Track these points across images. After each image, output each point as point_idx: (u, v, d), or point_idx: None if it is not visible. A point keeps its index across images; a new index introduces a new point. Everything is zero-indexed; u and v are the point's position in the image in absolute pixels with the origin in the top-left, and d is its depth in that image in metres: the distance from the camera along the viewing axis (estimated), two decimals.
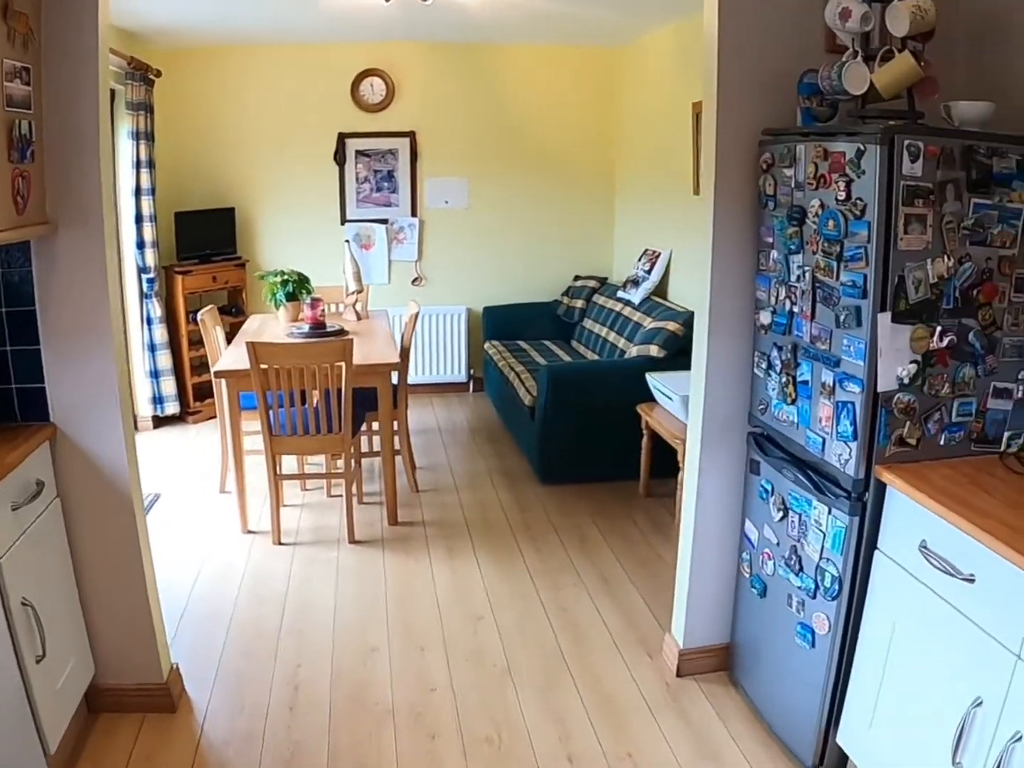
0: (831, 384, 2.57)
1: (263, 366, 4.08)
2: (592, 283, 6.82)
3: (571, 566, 4.24)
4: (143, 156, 5.91)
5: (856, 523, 2.53)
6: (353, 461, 4.52)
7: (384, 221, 6.81)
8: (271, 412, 4.21)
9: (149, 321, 6.23)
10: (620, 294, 6.24)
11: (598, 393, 5.08)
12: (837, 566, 2.60)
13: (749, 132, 2.88)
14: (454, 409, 6.87)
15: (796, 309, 2.71)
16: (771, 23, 2.80)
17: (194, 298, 6.35)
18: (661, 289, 6.07)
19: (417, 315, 5.16)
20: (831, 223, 2.47)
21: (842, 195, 2.42)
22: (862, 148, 2.31)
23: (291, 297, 5.50)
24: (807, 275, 2.62)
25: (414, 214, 6.85)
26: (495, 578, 4.08)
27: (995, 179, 2.37)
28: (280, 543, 4.37)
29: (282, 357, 4.10)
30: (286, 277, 5.52)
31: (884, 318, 2.37)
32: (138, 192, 5.93)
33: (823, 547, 2.67)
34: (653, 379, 4.80)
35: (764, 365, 2.94)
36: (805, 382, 2.70)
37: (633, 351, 5.27)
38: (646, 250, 6.26)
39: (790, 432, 2.82)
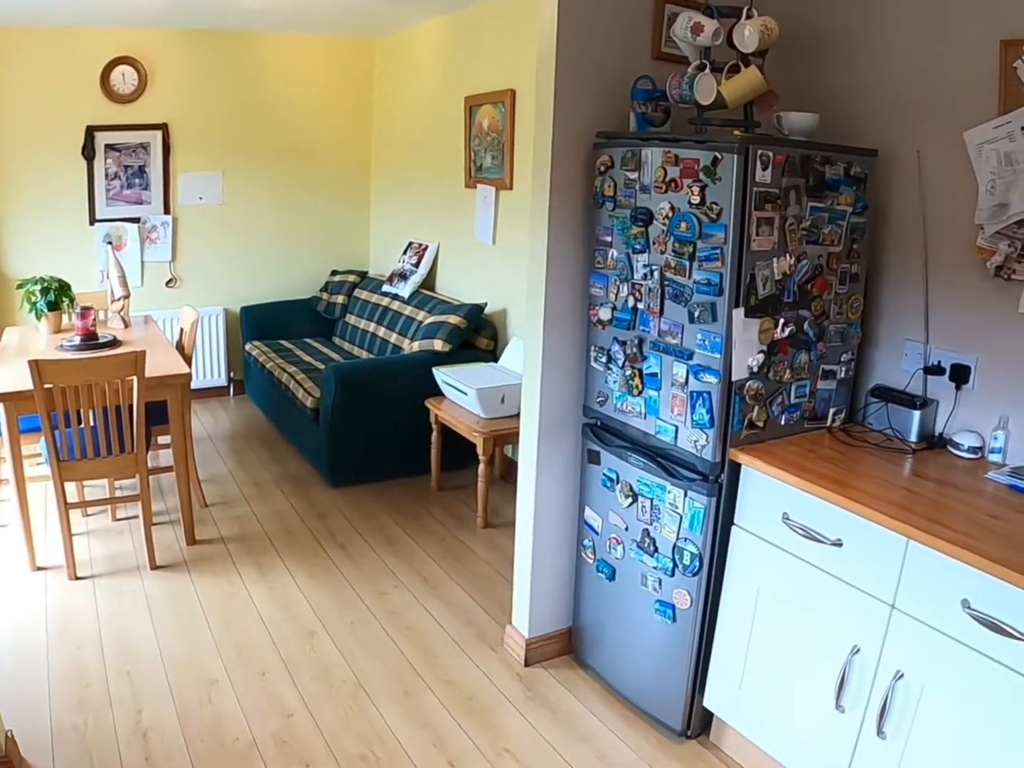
0: (683, 376, 2.73)
1: (48, 385, 3.75)
2: (352, 277, 6.77)
3: (387, 569, 4.22)
4: None
5: (714, 503, 2.72)
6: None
7: (136, 220, 6.41)
8: (57, 434, 3.88)
9: None
10: (387, 288, 6.23)
11: (385, 391, 5.07)
12: (697, 544, 2.78)
13: (583, 133, 2.99)
14: (219, 415, 6.59)
15: (642, 306, 2.86)
16: (605, 27, 2.92)
17: None
18: (429, 282, 6.13)
19: (196, 322, 4.91)
20: (684, 225, 2.63)
21: (696, 199, 2.58)
22: (719, 156, 2.48)
23: (53, 306, 5.07)
24: (655, 273, 2.76)
25: (167, 211, 6.49)
26: (315, 590, 3.99)
27: (827, 184, 2.62)
28: (77, 577, 4.03)
29: (70, 374, 3.78)
30: (46, 284, 5.07)
31: (738, 313, 2.56)
32: None
33: (680, 528, 2.83)
34: (441, 374, 4.86)
35: (603, 359, 3.06)
36: (654, 374, 2.85)
37: (414, 346, 5.29)
38: (411, 243, 6.29)
39: (636, 422, 2.96)
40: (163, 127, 6.32)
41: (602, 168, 2.94)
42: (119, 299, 5.19)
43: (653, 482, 2.93)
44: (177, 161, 6.44)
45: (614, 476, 3.11)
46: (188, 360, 4.75)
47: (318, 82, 6.75)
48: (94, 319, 4.73)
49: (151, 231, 6.47)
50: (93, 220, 6.31)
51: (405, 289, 6.00)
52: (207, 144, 6.49)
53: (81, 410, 3.86)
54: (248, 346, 6.56)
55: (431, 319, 5.34)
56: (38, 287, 4.99)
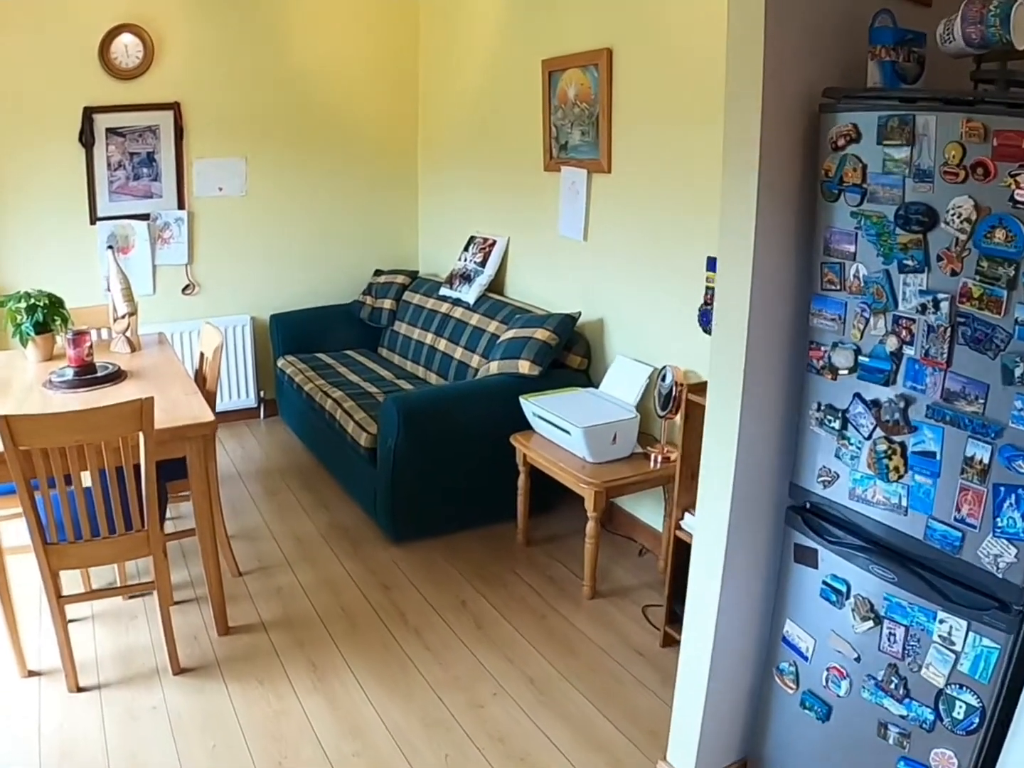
0: (983, 460, 1.79)
1: (26, 448, 2.83)
2: (400, 279, 5.83)
3: (480, 666, 3.31)
4: None
5: (1012, 642, 1.82)
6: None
7: (145, 216, 5.47)
8: (42, 509, 2.96)
9: None
10: (446, 292, 5.30)
11: (459, 425, 4.14)
12: (979, 695, 1.87)
13: (799, 93, 2.05)
14: (248, 444, 5.68)
15: (912, 351, 1.91)
16: None
17: None
18: (497, 284, 5.19)
19: (220, 347, 3.98)
20: (1000, 234, 1.68)
21: (1023, 195, 1.63)
22: None
23: (42, 328, 4.15)
24: (942, 305, 1.81)
25: (181, 206, 5.56)
26: (391, 705, 3.08)
27: None
28: (79, 688, 3.12)
29: (53, 433, 2.84)
30: (34, 301, 4.14)
31: None
32: None
33: (953, 670, 1.93)
34: (532, 405, 3.94)
35: (834, 424, 2.12)
36: (928, 454, 1.91)
37: (491, 367, 4.34)
38: (473, 238, 5.34)
39: (887, 517, 2.04)
40: (174, 106, 5.37)
41: (840, 142, 1.99)
42: (123, 317, 4.28)
43: (913, 603, 2.01)
44: (192, 146, 5.50)
45: (843, 588, 2.19)
46: (211, 397, 3.83)
47: (354, 49, 5.79)
48: (90, 346, 3.81)
49: (163, 229, 5.54)
50: (95, 218, 5.39)
51: (470, 293, 5.06)
52: (227, 125, 5.54)
53: (73, 476, 2.93)
54: (281, 362, 5.64)
55: (512, 333, 4.38)
56: (23, 305, 4.07)
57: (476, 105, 5.32)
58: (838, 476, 2.15)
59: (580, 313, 4.32)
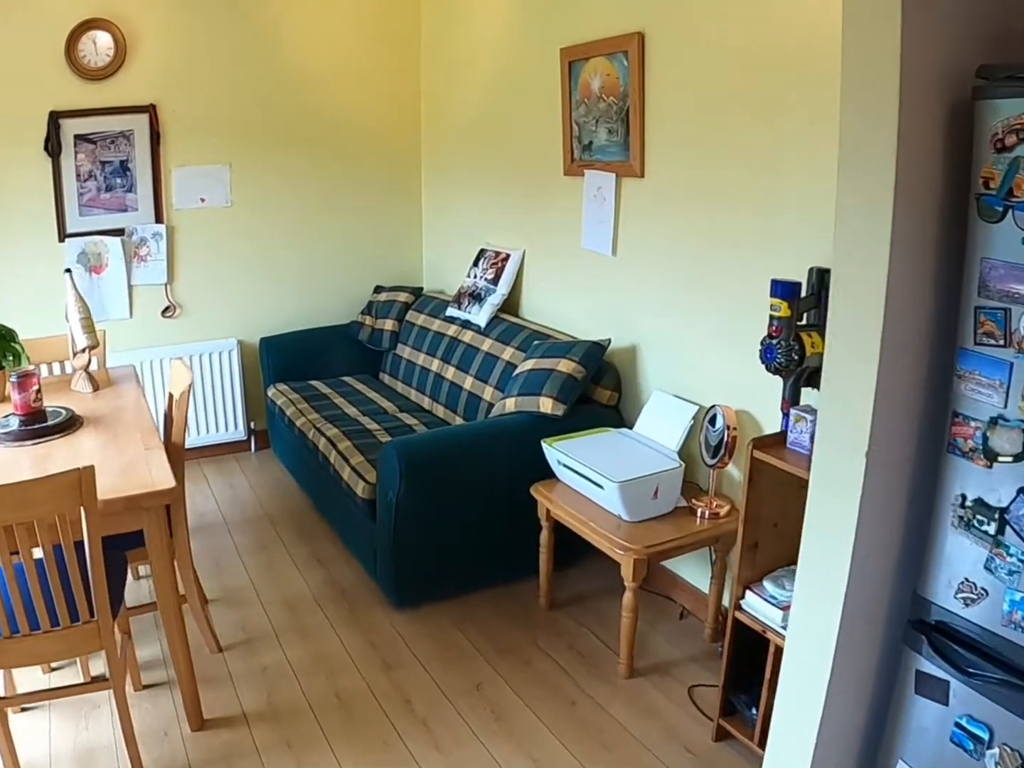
0: None
1: None
2: (402, 296, 5.27)
3: None
4: None
5: None
6: (120, 641, 2.80)
7: (119, 232, 4.93)
8: None
9: None
10: (453, 312, 4.74)
11: (471, 473, 3.59)
12: None
13: (939, 75, 1.47)
14: (237, 481, 5.12)
15: None
16: None
17: None
18: (511, 304, 4.63)
19: (189, 389, 3.42)
20: None
21: None
22: None
23: None
24: None
25: (159, 219, 5.00)
26: None
27: None
28: None
29: None
30: None
31: None
32: None
33: None
34: (557, 451, 3.39)
35: (987, 525, 1.56)
36: None
37: (508, 404, 3.78)
38: (484, 251, 4.78)
39: None
40: (150, 109, 4.82)
41: (1008, 140, 1.42)
42: (83, 351, 3.74)
43: None
44: (170, 153, 4.95)
45: (984, 734, 1.62)
46: (178, 450, 3.29)
47: (348, 43, 5.23)
48: (38, 390, 3.27)
49: (139, 246, 4.99)
50: (63, 235, 4.85)
51: (481, 314, 4.50)
52: (208, 130, 4.99)
53: (2, 560, 2.38)
54: (271, 391, 5.09)
55: (531, 364, 3.82)
56: None
57: (486, 102, 4.76)
58: (986, 594, 1.59)
59: (610, 341, 3.76)
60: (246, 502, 4.83)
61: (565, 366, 3.67)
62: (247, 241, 5.22)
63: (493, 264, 4.64)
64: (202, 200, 5.07)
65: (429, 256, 5.67)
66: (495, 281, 4.57)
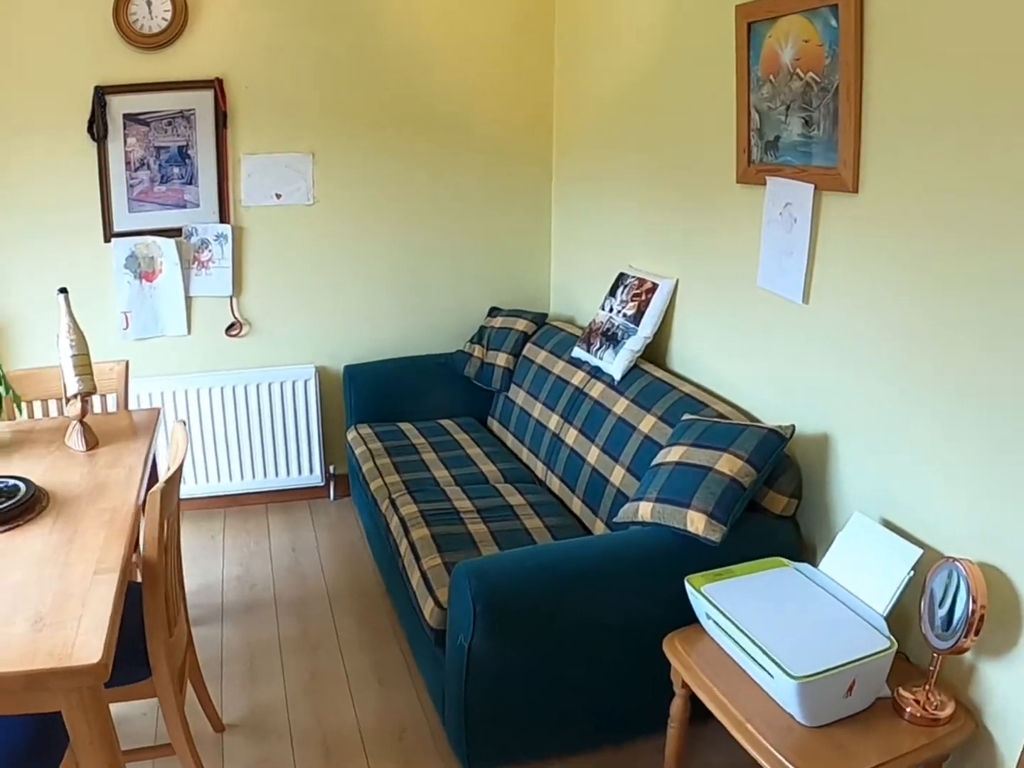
0: None
1: None
2: (521, 324, 4.28)
3: None
4: None
5: None
6: None
7: (176, 232, 4.12)
8: None
9: None
10: (580, 353, 3.73)
11: (575, 617, 2.56)
12: None
13: None
14: (303, 540, 4.25)
15: None
16: None
17: None
18: (657, 349, 3.56)
19: (180, 470, 2.51)
20: None
21: None
22: None
23: None
24: None
25: (224, 218, 4.16)
26: None
27: None
28: None
29: None
30: None
31: None
32: None
33: None
34: (707, 602, 2.34)
35: None
36: None
37: (643, 511, 2.71)
38: (624, 276, 3.73)
39: None
40: (215, 84, 3.99)
41: None
42: (75, 397, 2.90)
43: None
44: (239, 138, 4.10)
45: None
46: (154, 571, 2.38)
47: (467, 13, 4.25)
48: None
49: (199, 249, 4.16)
50: (109, 235, 4.06)
51: (616, 363, 3.46)
52: (287, 111, 4.11)
53: None
54: (351, 434, 4.18)
55: (680, 454, 2.75)
56: None
57: (635, 83, 3.68)
58: None
59: (793, 429, 2.65)
60: (307, 573, 3.95)
61: (728, 465, 2.59)
62: (331, 248, 4.32)
63: (635, 296, 3.58)
64: (277, 196, 4.19)
65: (558, 275, 4.63)
66: (636, 319, 3.51)
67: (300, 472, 4.52)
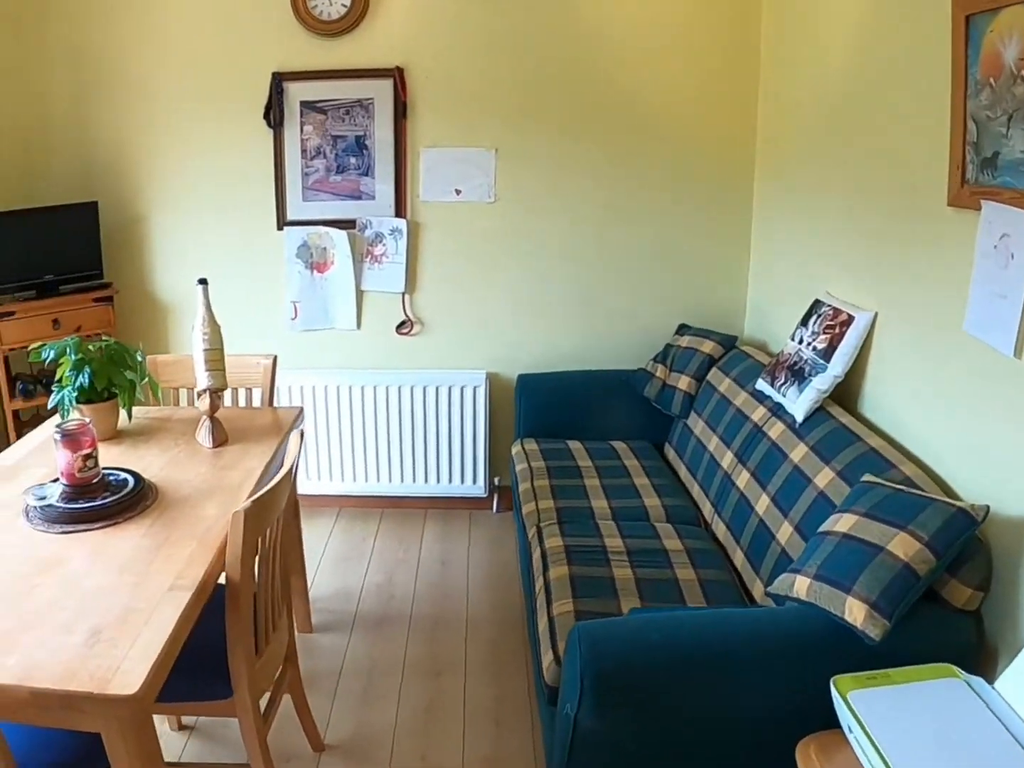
0: None
1: None
2: (708, 346, 3.94)
3: None
4: None
5: None
6: None
7: (350, 224, 4.06)
8: None
9: None
10: (764, 386, 3.36)
11: (698, 700, 2.23)
12: None
13: None
14: (455, 554, 4.10)
15: None
16: None
17: (22, 356, 3.67)
18: (848, 390, 3.14)
19: (290, 474, 2.37)
20: None
21: None
22: None
23: (90, 395, 2.84)
24: None
25: (400, 212, 4.06)
26: None
27: None
28: None
29: None
30: (81, 355, 2.83)
31: None
32: None
33: None
34: (852, 716, 1.97)
35: None
36: None
37: (798, 586, 2.34)
38: (819, 303, 3.32)
39: None
40: (395, 73, 3.89)
41: None
42: (203, 392, 2.83)
43: None
44: (418, 130, 3.98)
45: None
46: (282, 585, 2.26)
47: (667, 10, 3.92)
48: (89, 455, 2.38)
49: (373, 243, 4.07)
50: (283, 222, 4.02)
51: (799, 402, 3.08)
52: (471, 103, 3.96)
53: None
54: (516, 448, 3.98)
55: (850, 524, 2.37)
56: (70, 357, 2.82)
57: (836, 88, 3.26)
58: None
59: (987, 510, 2.21)
60: (451, 590, 3.80)
61: (903, 547, 2.19)
62: (511, 248, 4.13)
63: (828, 328, 3.17)
64: (457, 192, 4.04)
65: (755, 294, 4.24)
66: (827, 354, 3.11)
67: (463, 481, 4.36)
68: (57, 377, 2.84)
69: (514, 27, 3.85)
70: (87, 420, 2.46)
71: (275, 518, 2.33)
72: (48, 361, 2.85)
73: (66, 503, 2.36)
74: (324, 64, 3.84)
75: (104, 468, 2.56)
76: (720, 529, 3.24)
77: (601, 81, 3.95)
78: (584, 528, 3.21)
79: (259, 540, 2.24)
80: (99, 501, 2.38)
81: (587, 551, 3.04)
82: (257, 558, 2.25)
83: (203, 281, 2.86)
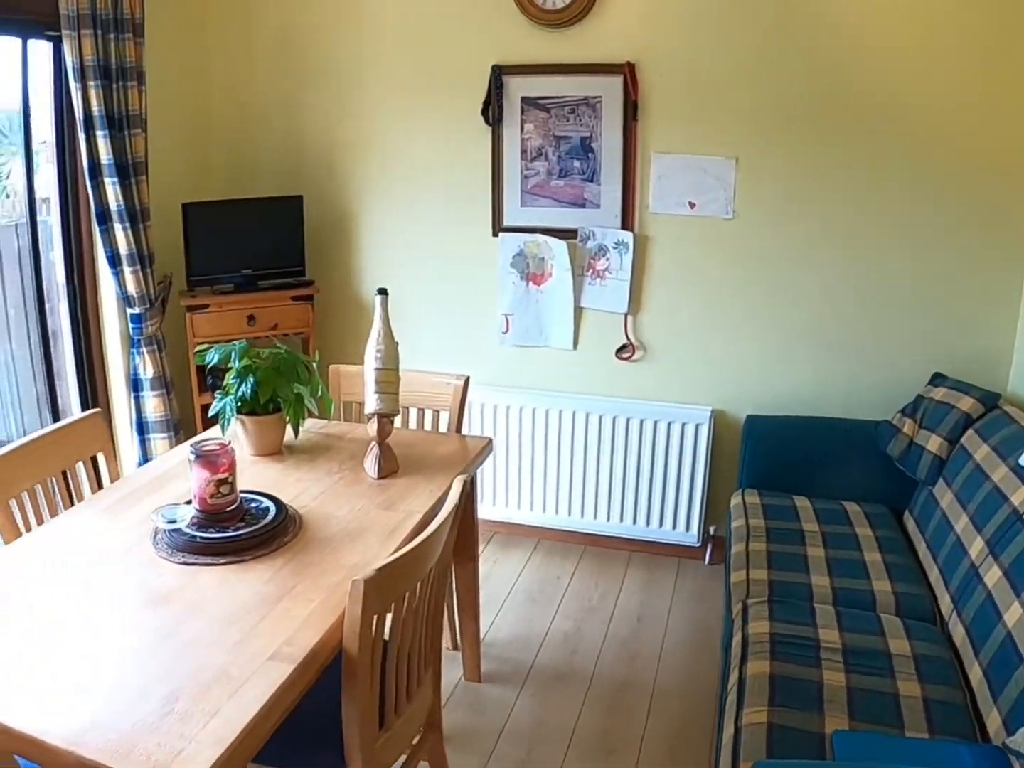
0: None
1: None
2: (966, 403, 3.34)
3: None
4: (102, 106, 3.33)
5: None
6: None
7: (570, 233, 3.77)
8: None
9: (137, 386, 3.69)
10: None
11: None
12: None
13: None
14: (656, 602, 3.75)
15: None
16: None
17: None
18: None
19: (452, 516, 2.10)
20: None
21: None
22: None
23: (253, 406, 2.71)
24: None
25: (627, 224, 3.72)
26: None
27: None
28: None
29: None
30: (249, 362, 2.71)
31: None
32: (95, 170, 3.39)
33: None
34: None
35: None
36: None
37: None
38: None
39: None
40: (625, 69, 3.55)
41: None
42: (371, 416, 2.63)
43: None
44: (649, 133, 3.64)
45: None
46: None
47: (938, 11, 3.33)
48: (224, 480, 2.24)
49: (595, 256, 3.77)
50: (498, 228, 3.80)
51: None
52: (709, 105, 3.57)
53: None
54: (735, 500, 3.58)
55: None
56: (236, 363, 2.70)
57: None
58: None
59: None
60: (642, 651, 3.45)
61: None
62: (747, 272, 3.71)
63: None
64: (691, 205, 3.66)
65: None
66: None
67: (675, 526, 3.98)
68: (224, 383, 2.73)
69: (761, 22, 3.40)
70: (227, 442, 2.30)
71: (417, 581, 2.04)
72: (211, 364, 2.74)
73: (195, 530, 2.21)
74: (547, 58, 3.57)
75: (247, 493, 2.41)
76: (958, 632, 2.71)
77: (862, 87, 3.41)
78: (797, 612, 2.78)
79: (400, 600, 1.98)
80: (230, 532, 2.21)
81: (796, 643, 2.61)
82: (391, 620, 1.99)
83: (383, 291, 2.65)
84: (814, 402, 3.76)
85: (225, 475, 2.24)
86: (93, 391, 3.78)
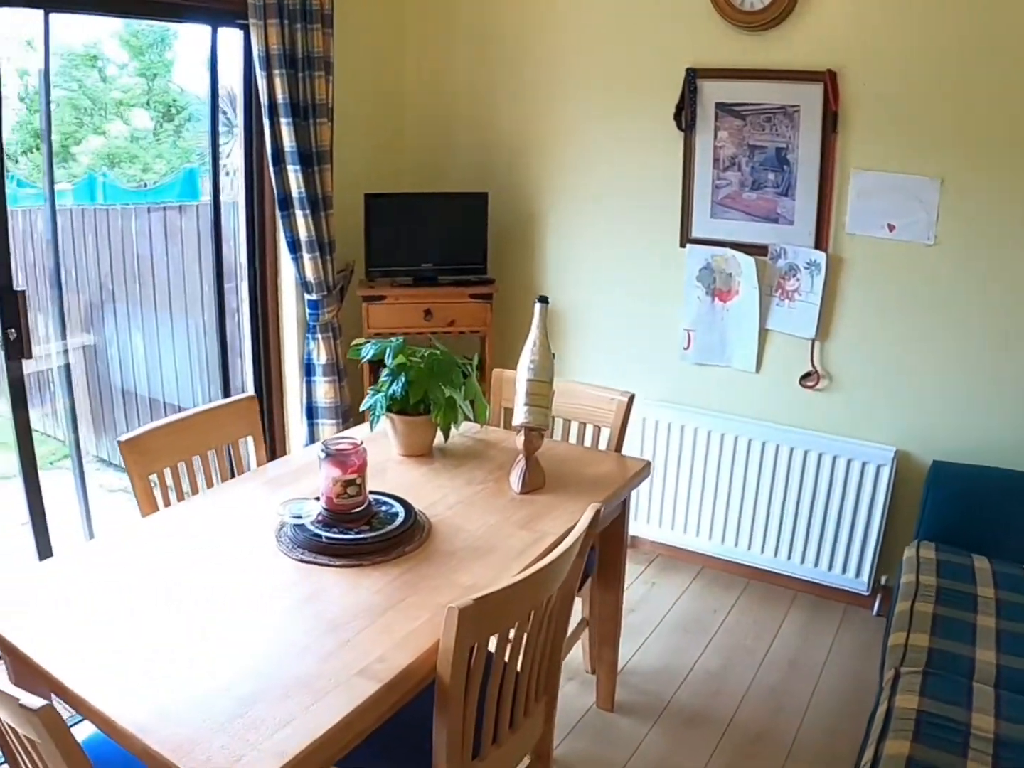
0: None
1: None
2: None
3: None
4: (287, 95, 3.44)
5: None
6: None
7: (761, 250, 3.59)
8: None
9: (310, 371, 3.82)
10: None
11: None
12: None
13: None
14: (814, 650, 3.52)
15: None
16: None
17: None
18: None
19: (544, 574, 1.99)
20: None
21: None
22: None
23: (403, 406, 2.72)
24: None
25: (820, 244, 3.51)
26: None
27: None
28: None
29: None
30: (404, 360, 2.73)
31: None
32: (278, 156, 3.51)
33: None
34: None
35: None
36: None
37: None
38: None
39: None
40: (826, 77, 3.34)
41: None
42: (520, 429, 2.58)
43: None
44: (849, 148, 3.41)
45: None
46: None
47: None
48: (351, 481, 2.23)
49: (785, 275, 3.59)
50: (686, 239, 3.68)
51: None
52: (913, 119, 3.30)
53: None
54: (908, 552, 3.31)
55: None
56: (394, 360, 2.74)
57: None
58: None
59: None
60: (789, 702, 3.23)
61: None
62: (948, 306, 3.41)
63: None
64: (890, 228, 3.41)
65: None
66: None
67: (844, 570, 3.73)
68: (379, 379, 2.75)
69: (977, 31, 3.11)
70: (359, 442, 2.30)
71: (528, 610, 1.93)
72: (364, 359, 2.77)
73: (319, 527, 2.23)
74: (744, 62, 3.40)
75: (380, 494, 2.41)
76: None
77: None
78: (953, 689, 2.51)
79: (505, 630, 1.90)
80: (353, 535, 2.21)
81: (944, 726, 2.34)
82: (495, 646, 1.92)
83: (543, 299, 2.60)
84: (1010, 455, 3.41)
85: (353, 476, 2.24)
86: (267, 372, 3.92)
